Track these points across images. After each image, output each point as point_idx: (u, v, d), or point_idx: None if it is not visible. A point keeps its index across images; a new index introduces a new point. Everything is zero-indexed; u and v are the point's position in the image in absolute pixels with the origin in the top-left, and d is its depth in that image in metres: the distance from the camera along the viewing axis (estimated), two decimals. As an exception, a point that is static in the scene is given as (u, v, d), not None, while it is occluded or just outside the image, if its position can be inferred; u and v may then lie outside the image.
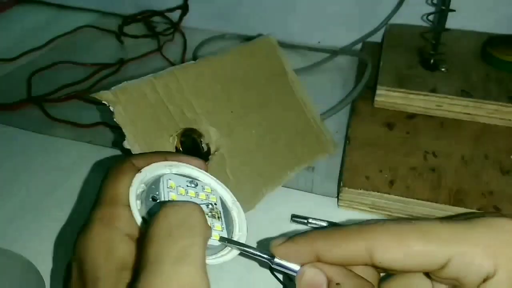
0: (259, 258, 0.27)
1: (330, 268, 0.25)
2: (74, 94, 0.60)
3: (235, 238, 0.28)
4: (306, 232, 0.26)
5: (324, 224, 0.41)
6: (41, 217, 0.43)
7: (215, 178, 0.31)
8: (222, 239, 0.27)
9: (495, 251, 0.22)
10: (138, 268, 0.22)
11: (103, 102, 0.36)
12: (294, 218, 0.42)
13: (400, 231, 0.24)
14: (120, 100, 0.37)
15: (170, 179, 0.28)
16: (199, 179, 0.30)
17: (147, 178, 0.28)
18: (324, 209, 0.44)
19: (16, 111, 0.58)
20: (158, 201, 0.27)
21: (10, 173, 0.49)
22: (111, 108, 0.36)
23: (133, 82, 0.38)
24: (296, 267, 0.26)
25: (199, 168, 0.31)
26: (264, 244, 0.40)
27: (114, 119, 0.36)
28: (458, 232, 0.23)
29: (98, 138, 0.53)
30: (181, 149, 0.39)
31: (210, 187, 0.30)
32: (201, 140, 0.41)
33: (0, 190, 0.46)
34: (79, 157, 0.50)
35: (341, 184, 0.43)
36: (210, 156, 0.41)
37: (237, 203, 0.30)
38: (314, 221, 0.42)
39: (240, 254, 0.27)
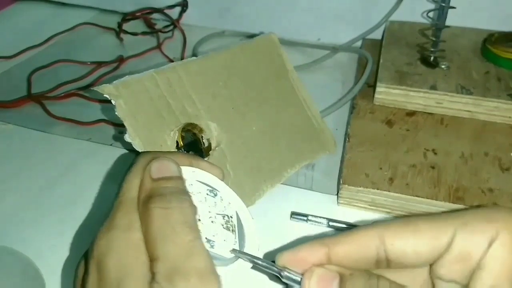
0: (269, 271, 0.26)
1: (339, 268, 0.25)
2: (74, 91, 0.60)
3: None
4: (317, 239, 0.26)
5: (324, 221, 0.41)
6: (40, 214, 0.43)
7: (234, 192, 0.30)
8: (233, 250, 0.27)
9: (495, 217, 0.23)
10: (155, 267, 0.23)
11: (104, 95, 0.36)
12: (294, 215, 0.42)
13: (407, 220, 0.25)
14: (122, 94, 0.37)
15: (192, 184, 0.28)
16: (218, 189, 0.30)
17: None
18: (324, 206, 0.44)
19: (15, 109, 0.58)
20: None
21: (10, 171, 0.49)
22: (113, 102, 0.36)
23: (135, 76, 0.38)
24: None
25: (218, 177, 0.30)
26: (263, 244, 0.40)
27: (116, 113, 0.36)
28: (459, 212, 0.25)
29: (98, 135, 0.53)
30: (181, 143, 0.39)
31: (228, 199, 0.30)
32: (202, 135, 0.41)
33: (0, 188, 0.46)
34: (79, 155, 0.50)
35: (341, 182, 0.43)
36: (210, 152, 0.41)
37: (252, 221, 0.30)
38: (314, 219, 0.42)
39: (252, 267, 0.27)
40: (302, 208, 0.43)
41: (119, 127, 0.53)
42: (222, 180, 0.31)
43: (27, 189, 0.46)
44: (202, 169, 0.30)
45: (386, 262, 0.25)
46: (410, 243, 0.24)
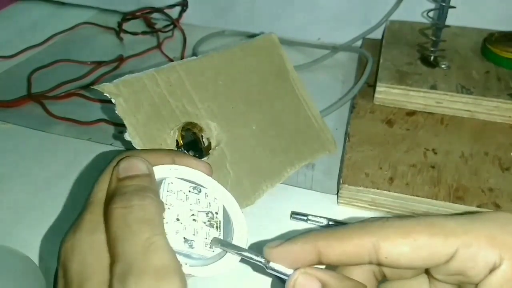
0: (254, 261, 0.25)
1: (325, 273, 0.24)
2: (74, 91, 0.60)
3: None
4: (305, 232, 0.25)
5: (324, 221, 0.41)
6: (40, 214, 0.43)
7: (221, 186, 0.30)
8: (214, 240, 0.26)
9: (500, 241, 0.22)
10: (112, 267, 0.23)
11: (104, 94, 0.36)
12: (294, 215, 0.42)
13: (405, 226, 0.23)
14: (122, 93, 0.37)
15: (172, 183, 0.28)
16: (204, 185, 0.29)
17: None
18: (324, 206, 0.44)
19: (15, 108, 0.58)
20: None
21: (10, 170, 0.49)
22: (113, 101, 0.36)
23: (135, 75, 0.38)
24: (290, 272, 0.25)
25: (205, 172, 0.30)
26: (263, 244, 0.40)
27: (116, 112, 0.36)
28: (463, 224, 0.23)
29: (98, 135, 0.53)
30: (181, 142, 0.39)
31: (214, 195, 0.29)
32: (202, 134, 0.41)
33: (0, 187, 0.46)
34: (79, 154, 0.50)
35: (341, 181, 0.43)
36: (210, 151, 0.41)
37: (241, 215, 0.29)
38: (314, 218, 0.42)
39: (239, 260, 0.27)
40: (302, 207, 0.43)
41: (119, 126, 0.53)
42: (210, 175, 0.30)
43: (27, 189, 0.46)
44: (188, 166, 0.29)
45: (377, 263, 0.24)
46: (405, 257, 0.23)
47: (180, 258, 0.24)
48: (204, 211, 0.28)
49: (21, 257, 0.36)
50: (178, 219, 0.26)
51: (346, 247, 0.24)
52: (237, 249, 0.26)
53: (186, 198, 0.28)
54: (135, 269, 0.22)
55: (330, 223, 0.41)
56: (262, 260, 0.25)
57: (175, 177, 0.28)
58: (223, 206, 0.29)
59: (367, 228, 0.24)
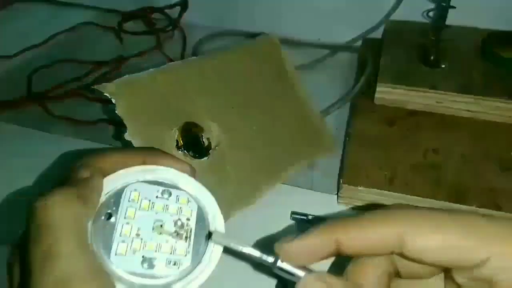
0: (259, 260, 0.23)
1: (337, 283, 0.22)
2: (74, 91, 0.60)
3: (206, 258, 0.24)
4: (320, 224, 0.23)
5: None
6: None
7: (200, 185, 0.27)
8: (216, 234, 0.24)
9: None
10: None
11: (105, 94, 0.36)
12: (294, 215, 0.42)
13: (436, 218, 0.21)
14: (122, 93, 0.37)
15: (135, 190, 0.25)
16: (178, 186, 0.26)
17: (109, 188, 0.25)
18: (324, 206, 0.44)
19: (16, 108, 0.58)
20: (111, 219, 0.24)
21: (11, 171, 0.48)
22: (113, 100, 0.36)
23: (135, 76, 0.38)
24: (299, 272, 0.23)
25: (183, 172, 0.27)
26: (263, 244, 0.40)
27: (116, 112, 0.36)
28: (501, 229, 0.21)
29: (98, 135, 0.53)
30: (181, 142, 0.39)
31: (187, 197, 0.26)
32: (202, 134, 0.41)
33: (0, 187, 0.46)
34: (79, 154, 0.50)
35: (341, 181, 0.43)
36: (210, 151, 0.41)
37: (220, 216, 0.26)
38: (314, 218, 0.42)
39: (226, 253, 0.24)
40: (302, 208, 0.43)
41: (119, 126, 0.53)
42: (189, 173, 0.27)
43: (27, 189, 0.46)
44: (161, 165, 0.27)
45: (400, 255, 0.22)
46: (432, 254, 0.21)
47: (137, 279, 0.23)
48: (172, 220, 0.25)
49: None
50: (138, 235, 0.24)
51: (369, 237, 0.22)
52: (240, 245, 0.23)
53: (151, 207, 0.25)
54: (33, 281, 0.20)
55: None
56: (269, 258, 0.23)
57: (142, 181, 0.26)
58: (198, 208, 0.26)
59: (392, 216, 0.22)
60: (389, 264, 0.24)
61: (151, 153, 0.27)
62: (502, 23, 0.62)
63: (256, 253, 0.23)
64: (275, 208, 0.43)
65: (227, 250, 0.24)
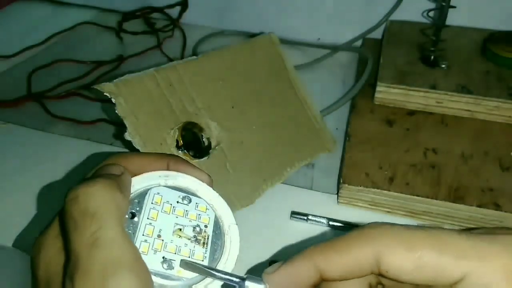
0: (230, 283, 0.23)
1: None
2: (74, 90, 0.60)
3: (220, 267, 0.25)
4: (301, 251, 0.23)
5: (324, 221, 0.41)
6: (40, 214, 0.43)
7: (217, 195, 0.28)
8: (183, 264, 0.24)
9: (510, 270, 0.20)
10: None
11: (105, 93, 0.36)
12: (294, 215, 0.42)
13: (411, 237, 0.21)
14: (122, 92, 0.37)
15: (158, 193, 0.26)
16: (197, 194, 0.27)
17: (134, 189, 0.25)
18: (324, 205, 0.44)
19: (15, 108, 0.58)
20: (135, 219, 0.24)
21: (10, 170, 0.48)
22: (113, 100, 0.36)
23: (135, 75, 0.38)
24: None
25: (202, 181, 0.27)
26: (263, 244, 0.40)
27: (116, 111, 0.36)
28: (478, 245, 0.21)
29: (97, 135, 0.53)
30: (181, 142, 0.39)
31: (206, 205, 0.27)
32: (202, 134, 0.41)
33: (0, 187, 0.46)
34: (78, 154, 0.50)
35: (341, 181, 0.43)
36: (210, 151, 0.41)
37: (235, 227, 0.27)
38: (314, 218, 0.42)
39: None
40: (302, 207, 0.43)
41: (119, 126, 0.53)
42: (207, 183, 0.28)
43: (27, 189, 0.46)
44: (183, 172, 0.27)
45: (378, 274, 0.22)
46: (408, 273, 0.21)
47: (157, 279, 0.23)
48: (191, 225, 0.26)
49: (21, 257, 0.36)
50: (159, 236, 0.25)
51: (346, 260, 0.22)
52: (209, 272, 0.24)
53: (172, 211, 0.26)
54: (81, 267, 0.20)
55: (330, 223, 0.41)
56: (237, 280, 0.23)
57: (164, 185, 0.26)
58: (215, 217, 0.27)
59: (366, 236, 0.22)
60: (372, 277, 0.24)
61: (173, 160, 0.28)
62: (502, 23, 0.62)
63: (226, 276, 0.24)
64: (275, 207, 0.43)
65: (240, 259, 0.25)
